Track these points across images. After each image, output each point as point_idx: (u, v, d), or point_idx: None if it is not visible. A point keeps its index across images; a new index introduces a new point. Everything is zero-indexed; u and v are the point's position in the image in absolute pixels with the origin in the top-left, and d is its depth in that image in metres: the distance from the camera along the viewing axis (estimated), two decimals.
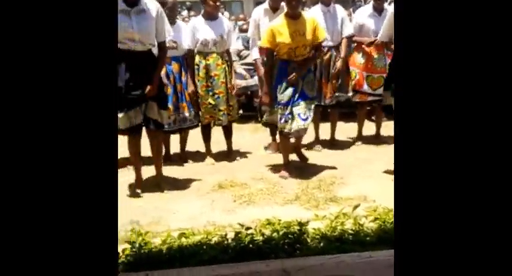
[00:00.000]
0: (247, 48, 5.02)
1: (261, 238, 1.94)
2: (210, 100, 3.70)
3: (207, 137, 3.94)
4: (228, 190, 3.25)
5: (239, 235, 1.93)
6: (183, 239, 2.00)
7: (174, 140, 4.03)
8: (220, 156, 4.02)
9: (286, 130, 3.33)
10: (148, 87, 2.99)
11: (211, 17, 3.72)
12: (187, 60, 3.73)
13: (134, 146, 3.20)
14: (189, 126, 3.87)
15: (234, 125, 4.12)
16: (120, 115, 2.98)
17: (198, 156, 4.07)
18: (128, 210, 2.98)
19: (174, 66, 3.70)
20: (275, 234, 1.97)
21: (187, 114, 3.75)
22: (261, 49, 3.75)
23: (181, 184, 3.39)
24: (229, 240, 1.91)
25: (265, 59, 3.63)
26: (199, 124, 3.87)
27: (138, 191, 3.24)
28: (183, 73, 3.74)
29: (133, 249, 1.91)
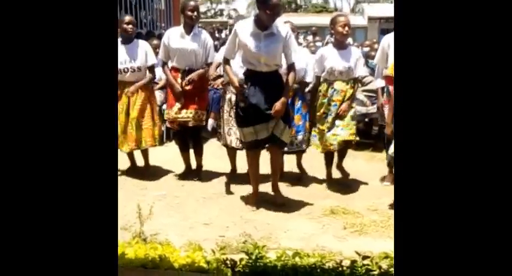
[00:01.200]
0: (371, 74, 4.96)
1: (377, 271, 1.88)
2: (324, 126, 3.72)
3: (328, 161, 3.96)
4: (340, 217, 3.21)
5: (355, 264, 1.89)
6: (297, 259, 2.02)
7: (289, 160, 4.11)
8: (333, 182, 3.98)
9: None
10: (277, 106, 3.12)
11: (340, 45, 3.75)
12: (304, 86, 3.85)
13: (254, 160, 3.34)
14: (299, 150, 3.93)
15: (349, 152, 4.07)
16: (246, 129, 3.17)
17: (309, 179, 4.08)
18: (242, 223, 3.12)
19: None
20: (392, 269, 1.89)
21: (300, 137, 3.83)
22: (387, 78, 3.68)
23: (294, 204, 3.44)
24: (344, 268, 1.89)
25: (390, 88, 3.55)
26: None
27: (254, 206, 3.35)
28: (296, 99, 3.84)
29: (250, 261, 1.98)
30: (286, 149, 3.66)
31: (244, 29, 3.17)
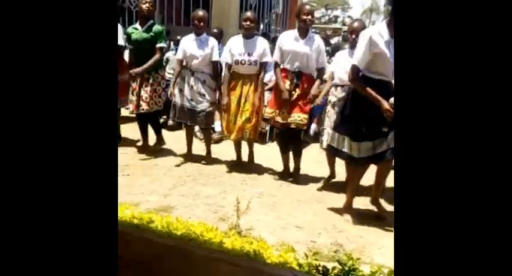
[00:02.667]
0: None
1: None
2: None
3: None
4: None
5: None
6: None
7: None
8: None
9: None
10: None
11: None
12: None
13: (358, 173, 3.27)
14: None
15: None
16: (364, 144, 3.07)
17: None
18: (334, 232, 3.10)
19: None
20: None
21: None
22: None
23: (392, 220, 3.31)
24: None
25: None
26: None
27: (348, 216, 3.31)
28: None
29: (343, 271, 1.97)
30: None
31: (379, 36, 2.88)
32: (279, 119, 3.96)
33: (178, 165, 4.32)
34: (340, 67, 3.87)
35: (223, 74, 4.26)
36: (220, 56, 4.33)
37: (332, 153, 3.40)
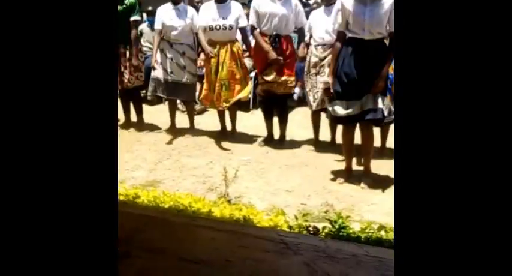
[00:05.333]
0: None
1: None
2: None
3: None
4: None
5: None
6: (383, 232, 1.96)
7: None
8: None
9: None
10: (377, 84, 2.95)
11: None
12: None
13: (346, 135, 3.24)
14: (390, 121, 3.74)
15: None
16: (338, 103, 3.08)
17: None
18: (324, 193, 3.10)
19: None
20: None
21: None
22: None
23: (381, 178, 3.33)
24: None
25: None
26: None
27: (342, 179, 3.30)
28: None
29: (333, 230, 1.97)
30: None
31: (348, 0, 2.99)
32: (267, 79, 3.87)
33: (169, 142, 4.24)
34: (317, 26, 3.76)
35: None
36: None
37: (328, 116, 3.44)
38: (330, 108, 3.22)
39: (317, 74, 3.77)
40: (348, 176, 3.31)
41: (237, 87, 4.02)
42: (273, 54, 3.77)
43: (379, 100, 3.01)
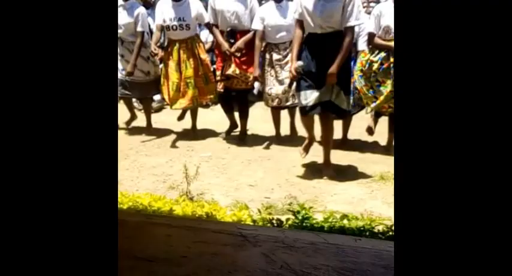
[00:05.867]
0: None
1: None
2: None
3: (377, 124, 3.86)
4: (390, 182, 3.08)
5: None
6: (345, 221, 1.96)
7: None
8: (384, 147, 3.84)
9: None
10: (328, 77, 2.95)
11: None
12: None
13: (307, 123, 3.24)
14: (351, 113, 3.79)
15: None
16: (299, 93, 3.10)
17: (363, 144, 3.96)
18: (287, 186, 3.09)
19: None
20: None
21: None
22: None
23: (342, 168, 3.35)
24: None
25: None
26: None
27: (304, 153, 3.33)
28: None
29: (296, 221, 1.95)
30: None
31: None
32: (227, 73, 3.83)
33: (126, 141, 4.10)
34: (271, 24, 3.73)
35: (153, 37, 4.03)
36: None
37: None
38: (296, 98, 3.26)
39: (275, 71, 3.77)
40: (308, 147, 3.32)
41: (201, 83, 3.96)
42: (225, 46, 3.76)
43: (337, 93, 3.02)
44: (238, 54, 3.78)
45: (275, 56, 3.75)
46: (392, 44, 3.39)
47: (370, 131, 3.91)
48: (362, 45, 3.65)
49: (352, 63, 3.53)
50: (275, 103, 3.83)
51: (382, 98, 3.49)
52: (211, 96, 4.06)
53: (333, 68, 2.92)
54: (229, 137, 4.16)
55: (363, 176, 3.23)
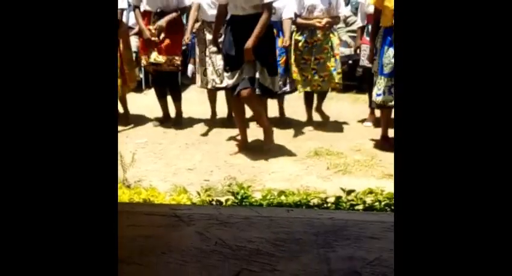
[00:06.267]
0: (355, 14, 4.81)
1: (361, 206, 1.89)
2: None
3: (309, 103, 3.96)
4: (324, 158, 3.21)
5: (340, 200, 1.90)
6: (283, 197, 2.01)
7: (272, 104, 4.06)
8: (317, 124, 3.97)
9: (390, 103, 3.18)
10: (245, 49, 2.97)
11: None
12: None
13: (236, 107, 3.28)
14: (284, 92, 3.86)
15: (333, 94, 4.03)
16: (227, 76, 3.15)
17: (291, 122, 4.06)
18: (226, 167, 3.11)
19: None
20: (377, 203, 1.90)
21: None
22: (369, 16, 3.61)
23: (278, 147, 3.42)
24: (329, 204, 1.89)
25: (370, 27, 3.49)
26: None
27: (236, 150, 3.33)
28: (281, 38, 3.69)
29: (236, 201, 1.97)
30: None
31: None
32: (150, 61, 3.76)
33: None
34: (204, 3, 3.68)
35: None
36: None
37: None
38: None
39: (209, 51, 3.74)
40: (242, 147, 3.35)
41: (126, 68, 3.84)
42: (146, 34, 3.70)
43: (260, 70, 3.05)
44: (161, 37, 3.70)
45: (208, 36, 3.71)
46: (314, 21, 3.53)
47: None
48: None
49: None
50: (209, 85, 3.80)
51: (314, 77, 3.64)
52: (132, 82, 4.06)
53: (248, 43, 2.94)
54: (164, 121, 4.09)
55: (299, 153, 3.32)
